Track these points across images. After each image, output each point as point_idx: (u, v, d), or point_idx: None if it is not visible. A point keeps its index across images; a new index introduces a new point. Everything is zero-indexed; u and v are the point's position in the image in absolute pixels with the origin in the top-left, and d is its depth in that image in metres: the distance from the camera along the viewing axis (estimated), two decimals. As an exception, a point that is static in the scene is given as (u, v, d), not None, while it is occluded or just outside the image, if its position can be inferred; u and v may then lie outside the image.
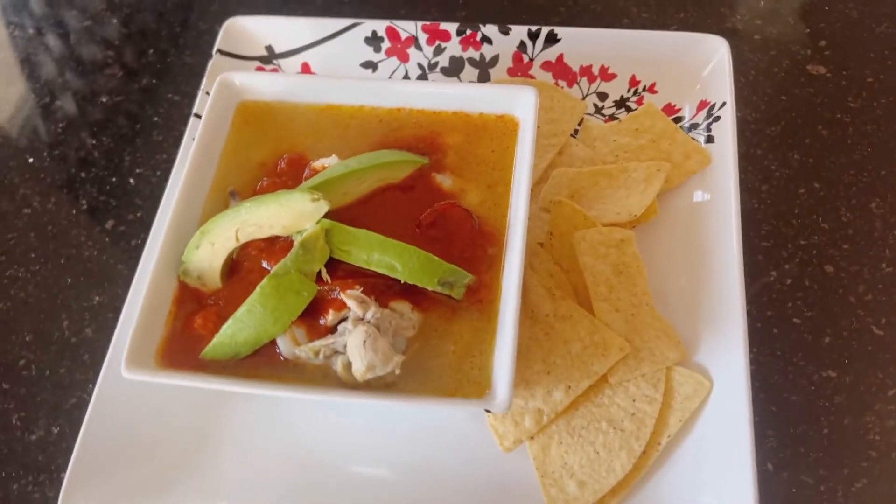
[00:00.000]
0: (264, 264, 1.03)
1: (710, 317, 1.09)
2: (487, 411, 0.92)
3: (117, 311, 1.25)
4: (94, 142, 1.46)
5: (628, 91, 1.33)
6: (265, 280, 0.96)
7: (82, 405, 1.20)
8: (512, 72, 1.36)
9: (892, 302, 1.18)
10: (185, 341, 1.01)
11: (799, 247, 1.24)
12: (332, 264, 1.00)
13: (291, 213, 1.00)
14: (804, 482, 1.06)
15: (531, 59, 1.35)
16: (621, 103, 1.33)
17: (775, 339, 1.16)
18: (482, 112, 1.15)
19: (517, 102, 1.13)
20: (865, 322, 1.17)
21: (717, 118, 1.24)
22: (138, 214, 1.37)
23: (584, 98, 1.33)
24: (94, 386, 1.10)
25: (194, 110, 1.30)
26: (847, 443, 1.09)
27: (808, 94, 1.38)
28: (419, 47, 1.38)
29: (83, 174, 1.43)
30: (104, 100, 1.52)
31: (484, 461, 1.06)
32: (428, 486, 1.05)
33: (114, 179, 1.41)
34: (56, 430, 1.19)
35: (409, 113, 1.16)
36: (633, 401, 1.06)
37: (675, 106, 1.30)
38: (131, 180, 1.41)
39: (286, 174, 1.13)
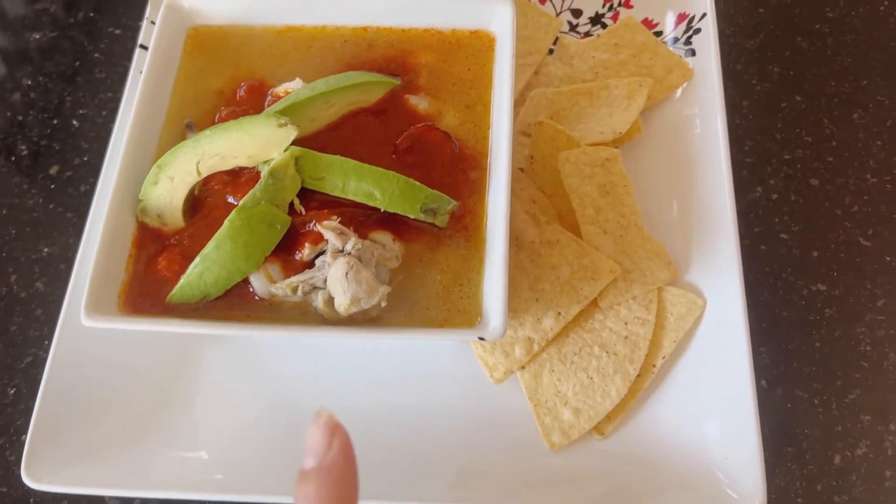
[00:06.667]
0: (230, 199, 0.95)
1: (700, 234, 1.06)
2: (481, 339, 0.87)
3: (69, 262, 1.17)
4: (30, 82, 1.34)
5: (603, 6, 1.27)
6: (233, 213, 0.88)
7: (39, 363, 1.11)
8: (481, -11, 1.27)
9: (877, 213, 1.16)
10: (149, 285, 0.93)
11: (783, 161, 1.20)
12: (305, 195, 0.93)
13: (257, 141, 0.92)
14: (799, 396, 1.05)
15: (500, -25, 1.27)
16: (597, 20, 1.27)
17: (764, 255, 1.14)
18: (455, 28, 1.07)
19: (492, 16, 1.05)
20: (852, 234, 1.15)
21: (698, 30, 1.18)
22: (85, 158, 1.27)
23: (557, 15, 1.27)
24: (50, 343, 1.02)
25: (139, 41, 1.20)
26: (839, 355, 1.07)
27: (786, 4, 1.34)
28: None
29: (20, 117, 1.31)
30: (38, 36, 1.39)
31: (474, 394, 1.02)
32: (417, 424, 1.01)
33: (55, 122, 1.30)
34: (12, 391, 1.10)
35: (376, 31, 1.08)
36: (626, 324, 1.02)
37: (652, 20, 1.24)
38: (75, 122, 1.30)
39: (246, 102, 1.04)
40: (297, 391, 1.03)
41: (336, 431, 0.66)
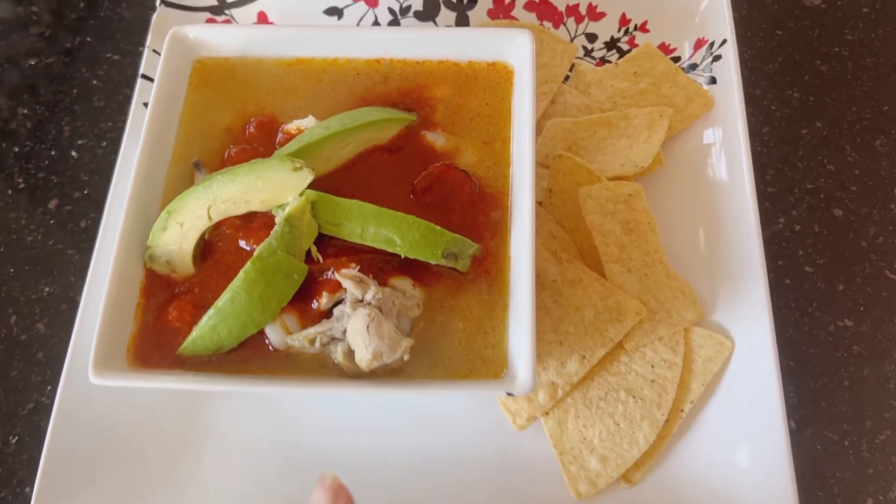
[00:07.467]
0: (242, 244, 0.92)
1: (726, 271, 1.03)
2: (509, 394, 0.84)
3: (72, 302, 1.13)
4: (25, 111, 1.30)
5: (619, 31, 1.23)
6: (249, 263, 0.84)
7: (41, 410, 1.07)
8: (493, 13, 1.24)
9: (903, 244, 1.14)
10: (160, 336, 0.89)
11: (806, 191, 1.17)
12: (322, 240, 0.89)
13: (271, 185, 0.88)
14: (828, 438, 1.02)
15: (513, 0, 1.24)
16: (612, 44, 1.23)
17: (788, 289, 1.11)
18: (471, 60, 1.04)
19: (510, 47, 1.02)
20: (878, 266, 1.12)
21: (718, 57, 1.15)
22: (86, 191, 1.22)
23: (572, 40, 1.23)
24: (53, 388, 0.98)
25: (141, 71, 1.15)
26: (868, 394, 1.05)
27: (804, 27, 1.31)
28: (389, -11, 1.25)
29: (17, 148, 1.26)
30: (32, 62, 1.34)
31: (497, 442, 0.98)
32: (437, 471, 0.97)
33: (53, 153, 1.26)
34: (14, 440, 1.06)
35: (389, 64, 1.04)
36: (652, 366, 0.99)
37: (669, 46, 1.21)
38: (73, 153, 1.26)
39: (256, 139, 1.00)
40: (312, 440, 0.99)
41: (340, 494, 0.65)
